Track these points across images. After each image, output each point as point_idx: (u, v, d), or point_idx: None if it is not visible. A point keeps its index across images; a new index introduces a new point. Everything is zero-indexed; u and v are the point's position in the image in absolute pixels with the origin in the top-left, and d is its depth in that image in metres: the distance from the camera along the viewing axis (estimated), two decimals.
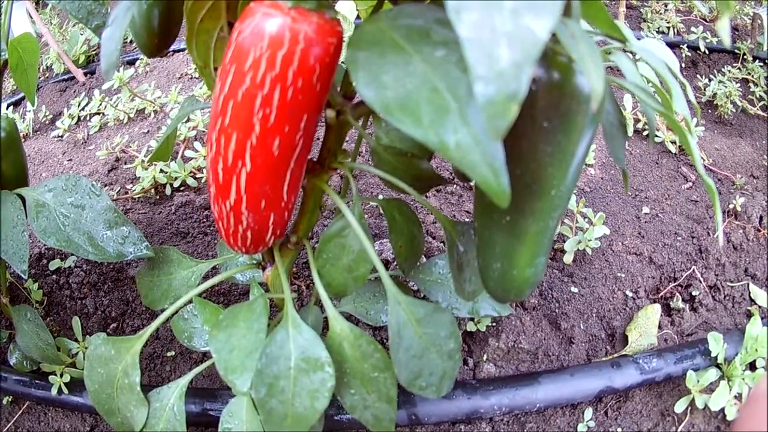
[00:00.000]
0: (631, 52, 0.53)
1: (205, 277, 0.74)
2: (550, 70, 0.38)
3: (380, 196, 1.09)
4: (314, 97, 0.41)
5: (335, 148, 0.53)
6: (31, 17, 1.66)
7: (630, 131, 1.35)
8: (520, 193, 0.41)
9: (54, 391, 0.83)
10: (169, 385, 0.67)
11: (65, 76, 1.73)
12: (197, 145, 1.18)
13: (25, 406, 0.88)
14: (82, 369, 0.84)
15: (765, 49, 1.71)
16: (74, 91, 1.66)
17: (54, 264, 0.99)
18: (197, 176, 1.14)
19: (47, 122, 1.57)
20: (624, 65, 0.53)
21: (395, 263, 0.92)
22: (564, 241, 1.00)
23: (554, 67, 0.38)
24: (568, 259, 1.00)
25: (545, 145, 0.39)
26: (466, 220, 1.06)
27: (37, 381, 0.85)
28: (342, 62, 0.45)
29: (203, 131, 1.25)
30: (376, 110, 0.32)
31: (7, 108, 1.65)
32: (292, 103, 0.40)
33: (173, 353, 0.90)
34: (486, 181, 0.30)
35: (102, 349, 0.65)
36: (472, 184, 1.10)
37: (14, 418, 0.87)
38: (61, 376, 0.83)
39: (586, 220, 1.01)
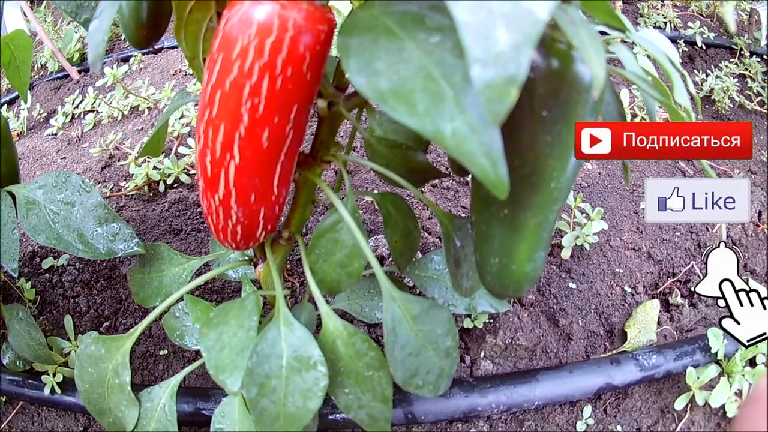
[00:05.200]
0: (631, 44, 0.52)
1: (197, 274, 0.73)
2: (548, 58, 0.36)
3: (375, 191, 1.08)
4: (304, 87, 0.40)
5: (328, 141, 0.52)
6: (25, 15, 1.64)
7: None
8: (519, 185, 0.39)
9: (47, 391, 0.81)
10: (160, 385, 0.65)
11: (59, 74, 1.71)
12: (191, 141, 1.16)
13: (18, 406, 0.87)
14: (75, 368, 0.83)
15: (762, 44, 1.70)
16: (68, 89, 1.65)
17: (47, 262, 0.97)
18: (190, 173, 1.12)
19: (41, 120, 1.55)
20: (623, 55, 0.52)
21: (390, 259, 0.90)
22: (561, 237, 0.99)
23: (553, 55, 0.36)
24: (565, 254, 0.99)
25: (544, 135, 0.38)
26: (462, 215, 1.05)
27: (29, 381, 0.84)
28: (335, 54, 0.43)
29: None
30: (368, 98, 0.31)
31: (0, 107, 1.64)
32: (282, 92, 0.39)
33: (166, 352, 0.88)
34: (483, 171, 0.29)
35: (92, 348, 0.64)
36: (468, 179, 1.09)
37: (8, 419, 0.86)
38: (54, 375, 0.82)
39: (584, 215, 1.00)
